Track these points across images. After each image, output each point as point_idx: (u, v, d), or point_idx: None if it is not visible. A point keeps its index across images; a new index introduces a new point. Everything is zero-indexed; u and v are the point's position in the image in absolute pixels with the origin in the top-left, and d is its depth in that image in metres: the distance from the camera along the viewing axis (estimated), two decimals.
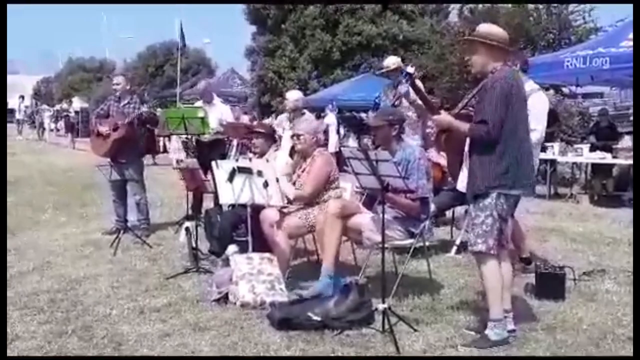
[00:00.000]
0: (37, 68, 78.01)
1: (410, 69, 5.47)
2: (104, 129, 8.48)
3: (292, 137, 6.65)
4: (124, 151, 8.49)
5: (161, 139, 24.28)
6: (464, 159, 4.94)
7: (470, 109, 4.75)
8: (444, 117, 4.78)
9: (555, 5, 19.81)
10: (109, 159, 8.44)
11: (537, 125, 6.13)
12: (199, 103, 10.08)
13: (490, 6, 20.72)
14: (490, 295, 4.62)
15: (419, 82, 7.67)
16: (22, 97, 39.12)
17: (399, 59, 8.46)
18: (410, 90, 6.67)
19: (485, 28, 4.69)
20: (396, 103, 7.62)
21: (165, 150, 24.97)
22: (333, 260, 5.66)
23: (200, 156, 9.28)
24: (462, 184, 5.00)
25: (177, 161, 13.20)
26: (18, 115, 38.16)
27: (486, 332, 4.61)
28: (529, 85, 6.28)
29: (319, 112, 20.51)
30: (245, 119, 18.78)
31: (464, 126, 4.60)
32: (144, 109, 8.64)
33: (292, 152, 7.46)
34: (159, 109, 11.77)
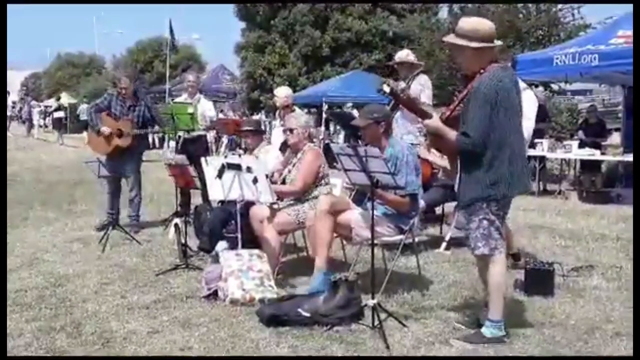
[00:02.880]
0: (25, 63, 77.64)
1: (385, 88, 5.36)
2: (106, 129, 8.43)
3: (284, 131, 6.65)
4: (125, 153, 8.49)
5: (150, 135, 24.23)
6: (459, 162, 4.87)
7: (460, 108, 4.64)
8: (434, 122, 4.59)
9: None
10: (97, 156, 8.38)
11: (526, 124, 6.13)
12: (181, 98, 10.05)
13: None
14: (494, 295, 4.57)
15: (417, 86, 7.72)
16: (8, 92, 38.90)
17: (405, 54, 8.51)
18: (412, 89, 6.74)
19: (466, 24, 4.46)
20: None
21: (154, 146, 24.95)
22: (326, 257, 5.66)
23: (185, 152, 9.27)
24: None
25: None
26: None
27: (482, 329, 4.59)
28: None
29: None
30: (231, 115, 18.76)
31: (452, 134, 4.45)
32: (157, 129, 8.68)
33: (283, 147, 7.47)
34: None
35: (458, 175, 4.63)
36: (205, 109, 9.57)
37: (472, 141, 4.30)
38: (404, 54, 8.53)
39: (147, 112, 8.66)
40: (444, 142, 4.62)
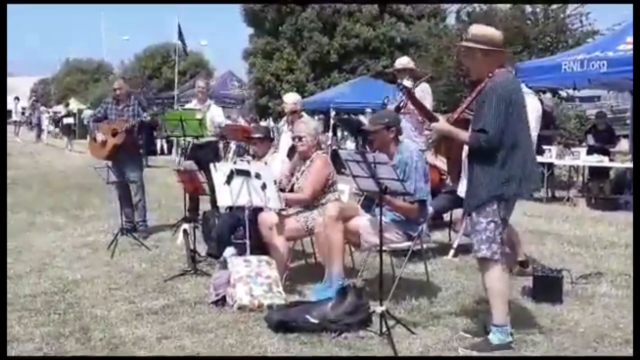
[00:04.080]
0: (33, 69, 78.12)
1: (406, 83, 5.44)
2: (101, 136, 8.50)
3: (293, 139, 6.64)
4: (123, 154, 8.51)
5: (159, 141, 24.35)
6: (462, 166, 4.92)
7: (468, 112, 4.71)
8: (442, 125, 4.72)
9: (552, 8, 19.86)
10: (106, 162, 8.43)
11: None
12: (191, 104, 10.06)
13: (488, 8, 20.76)
14: (495, 300, 4.58)
15: (419, 93, 7.75)
16: (17, 98, 39.08)
17: (406, 60, 8.55)
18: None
19: (478, 30, 4.62)
20: (401, 104, 7.67)
21: (162, 152, 25.04)
22: (341, 264, 5.67)
23: (194, 158, 9.29)
24: (462, 190, 4.98)
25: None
26: (15, 117, 38.15)
27: (489, 336, 4.58)
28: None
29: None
30: (242, 121, 18.83)
31: (463, 134, 4.55)
32: (145, 115, 8.63)
33: (290, 153, 7.47)
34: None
35: (467, 179, 4.67)
36: (215, 115, 9.59)
37: (488, 137, 4.36)
38: (405, 61, 8.54)
39: (141, 109, 8.70)
40: (453, 144, 4.68)
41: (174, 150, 22.34)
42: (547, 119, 14.44)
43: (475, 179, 4.54)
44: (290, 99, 9.33)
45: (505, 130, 4.36)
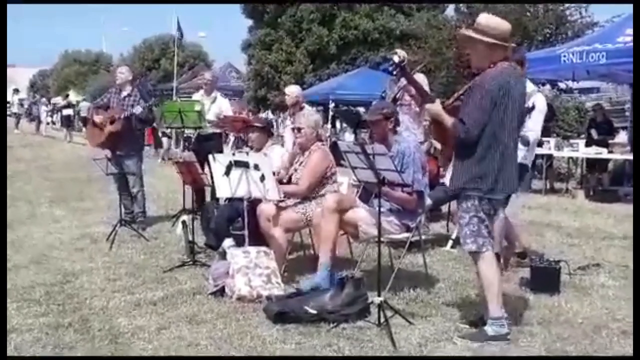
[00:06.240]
0: (32, 61, 77.97)
1: (395, 58, 5.41)
2: (99, 118, 8.48)
3: (293, 130, 6.65)
4: (121, 144, 8.48)
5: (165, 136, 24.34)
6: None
7: (462, 99, 4.66)
8: (435, 106, 4.64)
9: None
10: (105, 153, 8.41)
11: (534, 126, 6.14)
12: (197, 95, 10.03)
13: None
14: (488, 293, 4.58)
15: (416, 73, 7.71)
16: (17, 90, 39.00)
17: (402, 54, 8.51)
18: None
19: (486, 20, 4.47)
20: (397, 96, 7.65)
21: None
22: (330, 254, 5.67)
23: (197, 150, 9.28)
24: (447, 179, 5.00)
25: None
26: (14, 109, 38.10)
27: (485, 328, 4.58)
28: (528, 86, 6.26)
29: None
30: (244, 113, 18.83)
31: (449, 120, 4.48)
32: (139, 108, 8.54)
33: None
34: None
35: (451, 165, 4.67)
36: (222, 106, 9.56)
37: (466, 128, 4.34)
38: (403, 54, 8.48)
39: (142, 100, 8.68)
40: (442, 128, 4.65)
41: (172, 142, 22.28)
42: (549, 111, 14.44)
43: (456, 167, 4.57)
44: (292, 91, 9.33)
45: (487, 126, 4.32)
